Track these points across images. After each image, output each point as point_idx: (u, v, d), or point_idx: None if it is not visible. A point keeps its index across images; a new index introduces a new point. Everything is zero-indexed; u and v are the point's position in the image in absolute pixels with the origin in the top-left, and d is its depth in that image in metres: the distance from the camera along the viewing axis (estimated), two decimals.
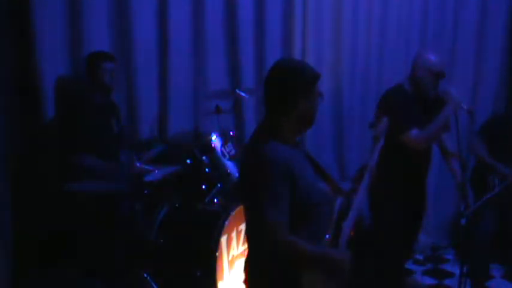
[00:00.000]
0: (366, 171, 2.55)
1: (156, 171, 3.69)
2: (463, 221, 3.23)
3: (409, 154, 3.34)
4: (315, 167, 2.33)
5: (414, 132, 3.22)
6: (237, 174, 3.90)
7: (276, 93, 2.19)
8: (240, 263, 3.71)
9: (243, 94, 4.15)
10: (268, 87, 2.22)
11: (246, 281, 2.31)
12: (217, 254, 3.42)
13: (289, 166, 2.09)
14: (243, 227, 3.70)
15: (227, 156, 3.97)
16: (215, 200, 3.81)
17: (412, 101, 3.34)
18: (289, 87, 2.17)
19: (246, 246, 3.69)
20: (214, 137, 3.96)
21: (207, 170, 3.88)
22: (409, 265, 4.60)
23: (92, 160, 3.54)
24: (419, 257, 4.85)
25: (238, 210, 3.62)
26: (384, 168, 2.67)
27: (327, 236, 2.23)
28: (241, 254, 3.72)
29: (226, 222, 3.50)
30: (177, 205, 3.74)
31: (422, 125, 3.28)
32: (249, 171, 2.18)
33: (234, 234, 3.62)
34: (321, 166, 2.38)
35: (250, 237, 2.29)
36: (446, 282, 4.43)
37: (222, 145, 3.99)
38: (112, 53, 3.82)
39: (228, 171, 3.90)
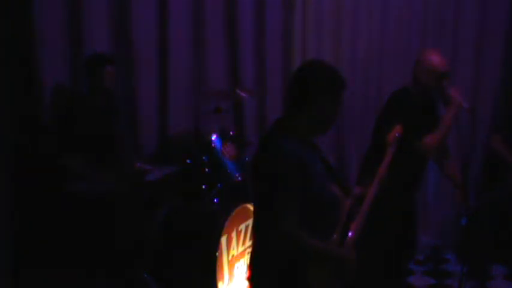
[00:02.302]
0: (376, 177, 2.54)
1: (156, 171, 3.69)
2: (463, 221, 3.23)
3: (412, 162, 3.34)
4: (328, 169, 2.33)
5: (428, 137, 3.21)
6: (237, 174, 3.90)
7: (301, 89, 2.20)
8: (240, 263, 3.70)
9: (243, 94, 4.15)
10: (294, 83, 2.23)
11: (249, 278, 2.31)
12: (217, 254, 3.41)
13: (302, 162, 2.11)
14: (243, 227, 3.70)
15: (227, 156, 3.97)
16: (215, 200, 3.80)
17: (420, 105, 3.32)
18: (314, 86, 2.18)
19: (246, 246, 3.71)
20: (214, 137, 3.96)
21: (207, 170, 3.88)
22: (409, 265, 4.60)
23: (82, 166, 3.54)
24: (420, 257, 4.85)
25: (238, 210, 3.61)
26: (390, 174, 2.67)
27: (334, 236, 2.24)
28: (241, 254, 3.72)
29: (226, 222, 3.49)
30: (177, 205, 3.74)
31: (431, 127, 3.28)
32: (262, 163, 2.19)
33: (234, 234, 3.61)
34: (334, 169, 2.38)
35: (257, 231, 2.30)
36: (446, 282, 4.43)
37: (222, 145, 3.98)
38: (112, 55, 3.79)
39: (228, 171, 3.90)
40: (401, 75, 4.46)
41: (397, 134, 2.74)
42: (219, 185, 3.86)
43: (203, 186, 3.87)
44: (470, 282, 3.85)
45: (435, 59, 3.28)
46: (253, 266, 2.30)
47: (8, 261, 3.31)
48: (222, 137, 4.01)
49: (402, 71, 4.56)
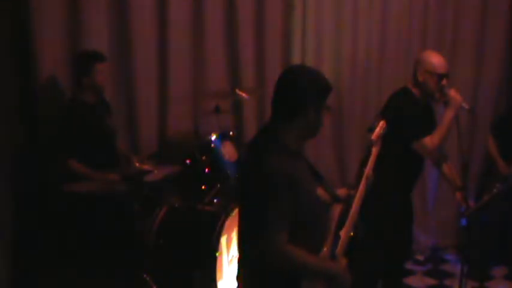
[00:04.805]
0: (363, 178, 2.50)
1: (156, 171, 3.69)
2: (463, 222, 3.23)
3: (411, 162, 3.34)
4: (313, 174, 2.30)
5: (427, 138, 3.21)
6: (236, 175, 3.89)
7: (286, 98, 2.15)
8: None
9: (243, 94, 4.15)
10: (279, 91, 2.18)
11: None
12: (217, 254, 3.42)
13: (293, 180, 2.07)
14: None
15: (227, 156, 3.97)
16: (215, 200, 3.81)
17: (420, 105, 3.32)
18: (300, 93, 2.13)
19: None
20: (214, 137, 3.96)
21: (207, 170, 3.88)
22: (409, 265, 4.60)
23: (81, 169, 3.54)
24: (420, 257, 4.85)
25: (238, 211, 3.61)
26: (382, 175, 2.64)
27: (324, 249, 2.20)
28: None
29: (226, 222, 3.50)
30: (176, 205, 3.74)
31: (430, 128, 3.28)
32: (252, 181, 2.15)
33: (234, 235, 3.61)
34: (319, 173, 2.34)
35: (245, 246, 2.25)
36: (446, 282, 4.43)
37: (222, 145, 3.98)
38: (103, 53, 3.74)
39: (228, 171, 3.90)
40: (402, 76, 4.46)
41: (381, 132, 2.64)
42: (218, 185, 3.86)
43: (203, 186, 3.87)
44: (470, 282, 3.84)
45: (435, 59, 3.28)
46: (242, 278, 2.27)
47: (8, 261, 3.31)
48: (222, 137, 4.01)
49: (402, 71, 4.57)
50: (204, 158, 3.89)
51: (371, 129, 2.64)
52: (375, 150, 2.61)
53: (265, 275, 2.14)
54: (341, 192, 2.50)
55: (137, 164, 3.68)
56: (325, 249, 2.21)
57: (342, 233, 2.31)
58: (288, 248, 2.05)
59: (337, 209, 2.32)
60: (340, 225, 2.32)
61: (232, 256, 3.63)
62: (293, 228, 2.07)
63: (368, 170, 2.53)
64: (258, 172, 2.11)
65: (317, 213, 2.18)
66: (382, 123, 2.64)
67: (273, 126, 2.20)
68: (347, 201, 2.43)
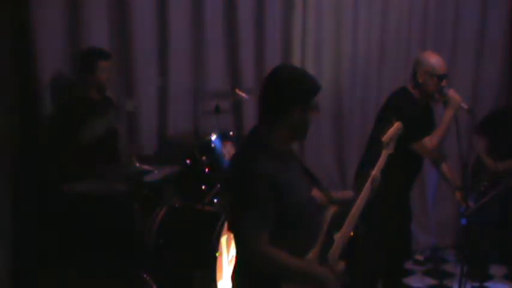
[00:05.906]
0: (368, 180, 2.43)
1: (156, 171, 3.69)
2: (463, 222, 3.23)
3: (411, 162, 3.34)
4: (307, 175, 2.28)
5: (427, 138, 3.21)
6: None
7: (272, 98, 2.13)
8: None
9: (243, 94, 4.15)
10: (265, 92, 2.15)
11: None
12: (217, 254, 3.42)
13: (276, 181, 2.05)
14: None
15: (227, 156, 3.97)
16: (215, 200, 3.81)
17: (419, 106, 3.32)
18: (286, 94, 2.10)
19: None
20: (214, 137, 3.96)
21: (206, 170, 3.88)
22: (409, 265, 4.61)
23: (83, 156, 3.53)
24: (420, 257, 4.85)
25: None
26: (382, 175, 2.59)
27: (311, 253, 2.17)
28: None
29: (226, 223, 3.50)
30: (176, 205, 3.74)
31: (429, 128, 3.27)
32: (236, 183, 2.15)
33: None
34: (313, 174, 2.33)
35: (236, 247, 2.26)
36: (446, 282, 4.43)
37: (222, 145, 3.98)
38: (108, 50, 3.75)
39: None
40: (402, 76, 4.46)
41: (395, 133, 2.55)
42: (218, 185, 3.86)
43: (203, 186, 3.87)
44: (470, 282, 3.85)
45: (434, 60, 3.27)
46: (235, 279, 2.27)
47: (8, 261, 3.31)
48: (222, 137, 4.01)
49: (402, 71, 4.57)
50: (204, 158, 3.89)
51: (382, 131, 2.56)
52: (384, 153, 2.53)
53: (250, 275, 2.15)
54: (345, 194, 2.47)
55: (137, 164, 3.68)
56: (312, 252, 2.17)
57: (338, 237, 2.28)
58: (268, 249, 2.05)
59: (330, 211, 2.28)
60: (336, 227, 2.29)
61: (232, 256, 3.63)
62: (280, 228, 2.07)
63: (375, 172, 2.47)
64: (241, 173, 2.12)
65: (307, 214, 2.17)
66: (397, 125, 2.54)
67: (261, 126, 2.19)
68: (347, 204, 2.40)
